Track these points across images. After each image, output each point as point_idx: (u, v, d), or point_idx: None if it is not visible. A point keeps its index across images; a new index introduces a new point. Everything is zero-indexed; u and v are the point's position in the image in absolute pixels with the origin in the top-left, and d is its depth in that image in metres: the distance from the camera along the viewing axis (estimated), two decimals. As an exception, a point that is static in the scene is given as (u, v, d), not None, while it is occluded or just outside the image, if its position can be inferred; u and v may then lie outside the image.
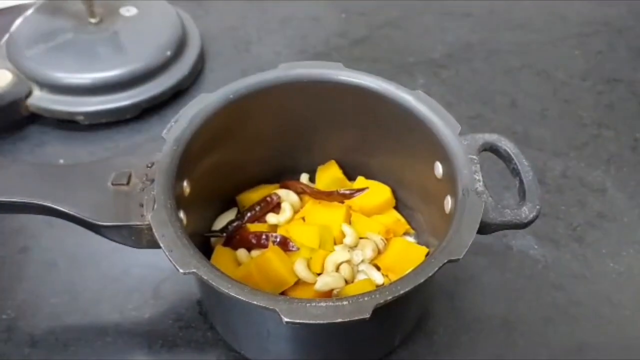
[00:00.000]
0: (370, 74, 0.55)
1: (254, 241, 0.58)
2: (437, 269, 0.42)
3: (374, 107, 0.56)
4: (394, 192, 0.62)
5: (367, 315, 0.39)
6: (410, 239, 0.61)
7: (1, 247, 0.62)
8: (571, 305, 0.59)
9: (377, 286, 0.55)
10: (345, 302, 0.40)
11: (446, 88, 0.81)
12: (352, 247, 0.58)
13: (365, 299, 0.40)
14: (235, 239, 0.58)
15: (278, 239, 0.57)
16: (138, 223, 0.45)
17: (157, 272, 0.59)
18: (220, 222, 0.60)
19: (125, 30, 0.79)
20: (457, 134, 0.51)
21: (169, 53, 0.78)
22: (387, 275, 0.56)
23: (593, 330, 0.57)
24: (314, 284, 0.54)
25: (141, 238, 0.46)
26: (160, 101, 0.77)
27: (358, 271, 0.57)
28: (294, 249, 0.57)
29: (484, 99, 0.79)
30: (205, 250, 0.57)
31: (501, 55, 0.86)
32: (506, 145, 0.51)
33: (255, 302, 0.40)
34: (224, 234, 0.59)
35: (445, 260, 0.42)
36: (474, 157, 0.50)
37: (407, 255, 0.57)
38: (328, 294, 0.54)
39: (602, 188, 0.69)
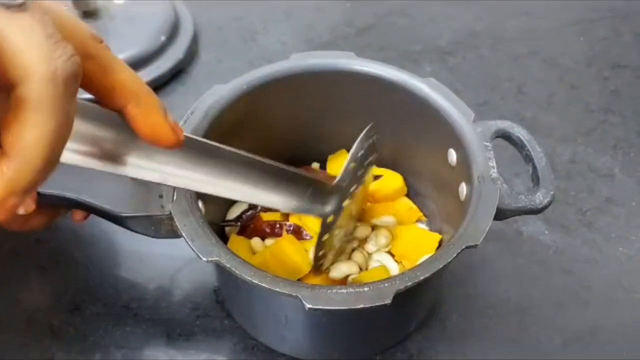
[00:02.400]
0: (382, 63, 0.55)
1: (267, 230, 0.58)
2: (455, 254, 0.42)
3: (386, 95, 0.56)
4: (405, 179, 0.62)
5: (388, 301, 0.40)
6: (423, 226, 0.61)
7: (16, 239, 0.62)
8: (582, 290, 0.59)
9: (391, 273, 0.55)
10: (366, 288, 0.41)
11: (453, 76, 0.81)
12: (366, 235, 0.58)
13: (386, 285, 0.41)
14: (250, 228, 0.59)
15: (292, 228, 0.58)
16: (158, 213, 0.45)
17: (172, 262, 0.60)
18: (234, 212, 0.61)
19: (120, 17, 0.81)
20: (470, 121, 0.51)
21: (163, 38, 0.80)
22: (400, 262, 0.57)
23: (604, 314, 0.58)
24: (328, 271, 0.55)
25: (161, 228, 0.47)
26: (159, 84, 0.78)
27: (371, 258, 0.57)
28: (307, 237, 0.57)
29: (491, 86, 0.80)
30: (220, 239, 0.58)
31: (507, 42, 0.86)
32: (519, 131, 0.52)
33: (278, 289, 0.40)
34: (239, 223, 0.59)
35: (464, 246, 0.43)
36: (488, 144, 0.50)
37: (420, 242, 0.57)
38: (343, 282, 0.55)
39: (611, 173, 0.69)
